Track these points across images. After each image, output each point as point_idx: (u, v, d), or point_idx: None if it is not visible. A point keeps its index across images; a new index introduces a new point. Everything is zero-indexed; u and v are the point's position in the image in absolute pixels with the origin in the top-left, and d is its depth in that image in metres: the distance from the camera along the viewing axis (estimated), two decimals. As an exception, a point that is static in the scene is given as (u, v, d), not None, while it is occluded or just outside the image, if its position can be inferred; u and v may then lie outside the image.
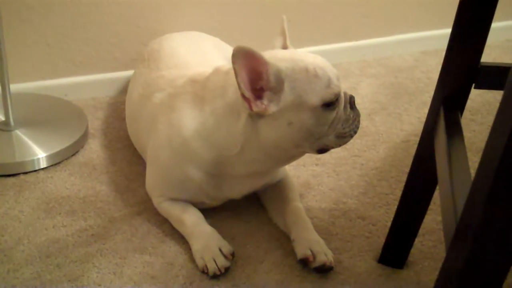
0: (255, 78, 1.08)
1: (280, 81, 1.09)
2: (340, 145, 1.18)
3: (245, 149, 1.16)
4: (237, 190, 1.28)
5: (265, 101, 1.10)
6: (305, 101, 1.10)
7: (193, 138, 1.19)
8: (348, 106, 1.16)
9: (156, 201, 1.31)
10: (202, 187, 1.24)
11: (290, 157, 1.22)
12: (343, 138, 1.16)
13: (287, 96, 1.10)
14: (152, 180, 1.32)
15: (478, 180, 0.66)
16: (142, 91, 1.40)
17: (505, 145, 0.60)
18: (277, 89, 1.10)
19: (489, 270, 0.67)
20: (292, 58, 1.13)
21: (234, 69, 1.05)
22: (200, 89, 1.21)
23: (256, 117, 1.12)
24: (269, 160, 1.19)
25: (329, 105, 1.11)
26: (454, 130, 0.93)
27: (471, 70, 0.98)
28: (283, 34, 1.26)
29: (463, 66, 0.98)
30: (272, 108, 1.10)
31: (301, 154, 1.21)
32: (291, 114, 1.10)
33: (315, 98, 1.10)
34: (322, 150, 1.17)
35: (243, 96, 1.09)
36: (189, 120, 1.20)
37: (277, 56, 1.13)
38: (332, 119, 1.13)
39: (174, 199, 1.29)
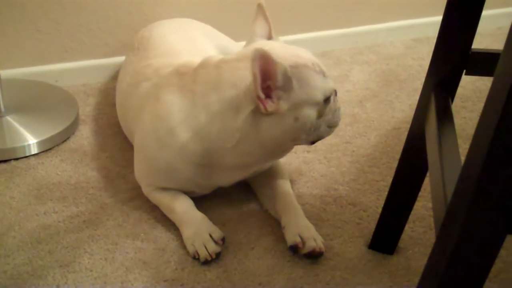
0: (264, 78, 1.09)
1: (288, 79, 1.10)
2: (329, 134, 1.22)
3: (241, 143, 1.16)
4: (227, 178, 1.28)
5: (275, 100, 1.11)
6: (312, 97, 1.13)
7: (181, 130, 1.19)
8: (335, 97, 1.21)
9: (146, 189, 1.31)
10: (190, 177, 1.24)
11: (284, 151, 1.25)
12: (332, 127, 1.21)
13: (296, 93, 1.11)
14: (140, 170, 1.32)
15: (467, 166, 0.66)
16: (130, 80, 1.40)
17: (495, 131, 0.60)
18: (286, 88, 1.11)
19: (477, 256, 0.68)
20: (290, 54, 1.15)
21: (254, 73, 1.06)
22: (189, 82, 1.20)
23: (260, 114, 1.12)
24: (263, 154, 1.20)
25: (328, 98, 1.16)
26: (445, 116, 0.94)
27: (462, 56, 0.98)
28: (267, 22, 1.25)
29: (454, 52, 0.98)
30: (283, 106, 1.11)
31: (294, 146, 1.24)
32: (298, 110, 1.12)
33: (319, 93, 1.14)
34: (314, 141, 1.21)
35: (258, 97, 1.09)
36: (177, 113, 1.19)
37: (276, 54, 1.11)
38: (327, 111, 1.17)
39: (163, 188, 1.29)
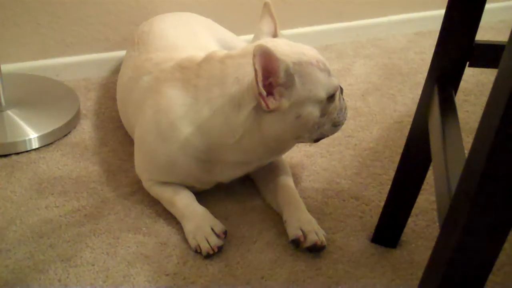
0: (266, 75, 1.08)
1: (290, 76, 1.10)
2: (333, 133, 1.23)
3: (243, 140, 1.16)
4: (228, 174, 1.27)
5: (277, 97, 1.10)
6: (314, 95, 1.12)
7: (183, 124, 1.18)
8: (341, 95, 1.21)
9: (146, 184, 1.31)
10: (190, 172, 1.24)
11: (286, 148, 1.25)
12: (337, 126, 1.22)
13: (298, 91, 1.11)
14: (140, 164, 1.31)
15: (472, 158, 0.66)
16: (131, 74, 1.39)
17: (500, 123, 0.60)
18: (288, 85, 1.10)
19: (481, 249, 0.67)
20: (294, 51, 1.14)
21: (256, 69, 1.05)
22: (192, 77, 1.20)
23: (262, 111, 1.12)
24: (265, 151, 1.20)
25: (332, 96, 1.15)
26: (449, 108, 0.93)
27: (465, 48, 0.98)
28: (273, 20, 1.25)
29: (457, 44, 0.98)
30: (285, 104, 1.11)
31: (296, 143, 1.24)
32: (300, 108, 1.12)
33: (322, 91, 1.13)
34: (317, 139, 1.21)
35: (260, 94, 1.09)
36: (179, 106, 1.19)
37: (280, 51, 1.11)
38: (331, 110, 1.17)
39: (164, 182, 1.28)
